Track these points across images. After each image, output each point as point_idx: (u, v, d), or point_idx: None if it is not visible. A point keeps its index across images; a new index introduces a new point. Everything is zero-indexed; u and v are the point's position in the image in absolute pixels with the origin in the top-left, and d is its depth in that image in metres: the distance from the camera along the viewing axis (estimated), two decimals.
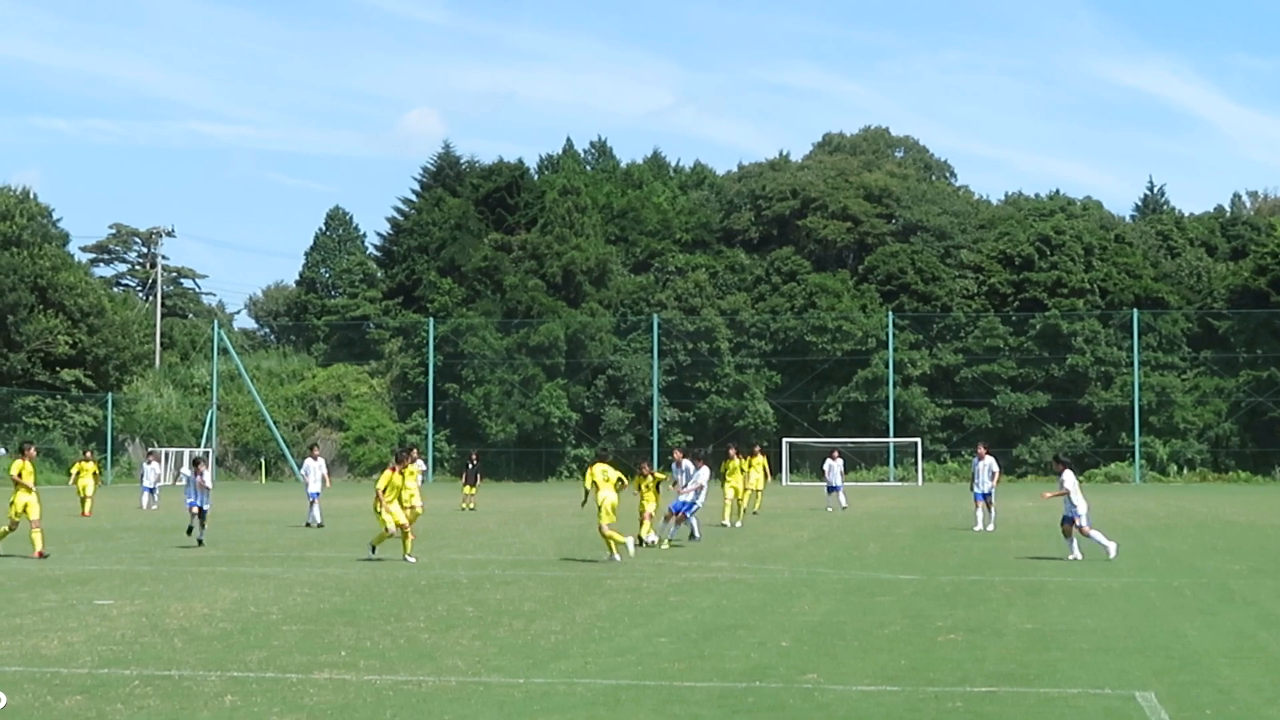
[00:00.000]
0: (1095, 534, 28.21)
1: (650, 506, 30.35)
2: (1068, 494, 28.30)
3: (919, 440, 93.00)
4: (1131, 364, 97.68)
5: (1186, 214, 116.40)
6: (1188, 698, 12.41)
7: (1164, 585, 22.84)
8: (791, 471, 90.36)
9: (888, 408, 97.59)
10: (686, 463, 34.30)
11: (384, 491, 27.67)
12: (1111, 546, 27.86)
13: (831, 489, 50.37)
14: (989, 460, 37.00)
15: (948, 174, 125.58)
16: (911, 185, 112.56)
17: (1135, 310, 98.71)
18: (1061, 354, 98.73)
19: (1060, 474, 28.78)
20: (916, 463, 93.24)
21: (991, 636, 16.62)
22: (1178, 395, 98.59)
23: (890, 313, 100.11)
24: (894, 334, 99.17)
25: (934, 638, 16.50)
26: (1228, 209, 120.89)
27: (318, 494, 40.81)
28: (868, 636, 16.60)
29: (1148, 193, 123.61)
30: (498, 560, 27.88)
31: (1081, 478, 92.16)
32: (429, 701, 12.38)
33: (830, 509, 49.34)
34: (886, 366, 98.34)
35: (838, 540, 33.87)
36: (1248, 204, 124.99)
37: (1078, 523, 28.11)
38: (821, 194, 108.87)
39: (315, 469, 41.87)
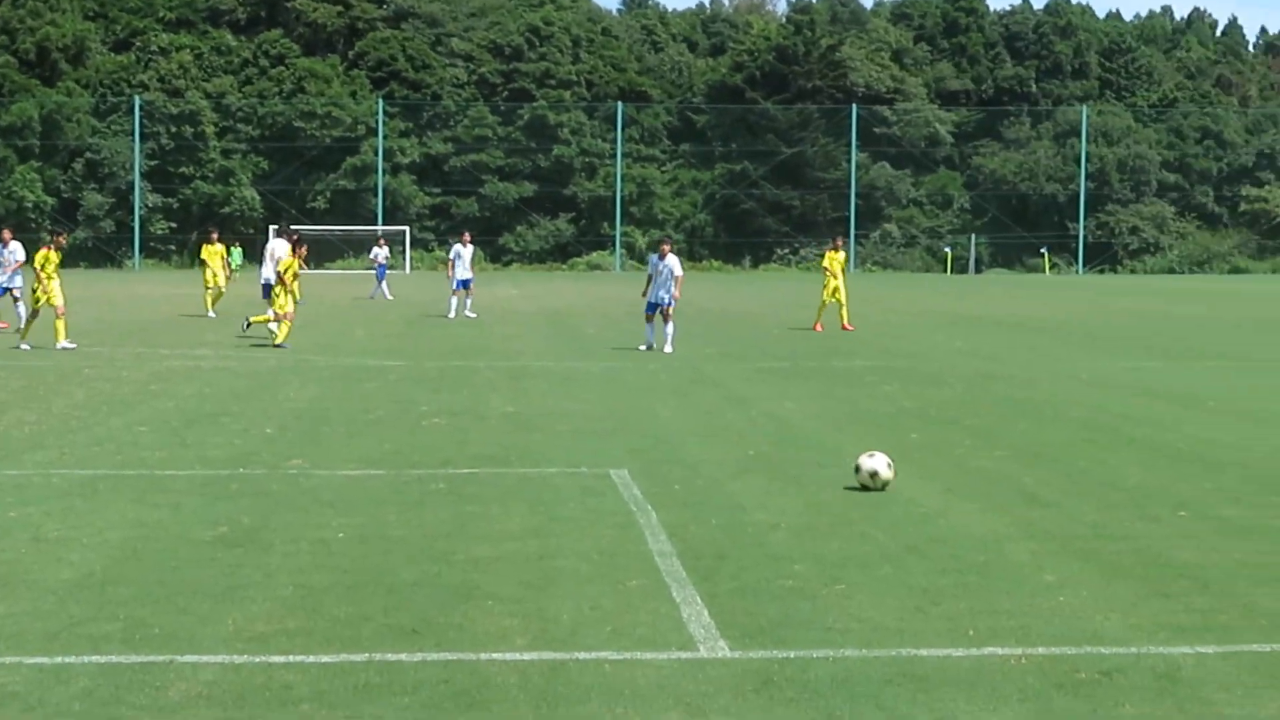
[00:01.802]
0: (670, 327, 27.34)
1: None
2: (675, 279, 27.23)
3: (407, 229, 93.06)
4: (614, 155, 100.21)
5: (670, 10, 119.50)
6: (659, 474, 13.04)
7: (640, 369, 23.77)
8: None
9: (377, 196, 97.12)
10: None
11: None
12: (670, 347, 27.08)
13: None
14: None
15: None
16: None
17: (620, 103, 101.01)
18: (548, 145, 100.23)
19: (664, 257, 27.55)
20: (404, 251, 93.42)
21: (474, 420, 16.97)
22: (658, 187, 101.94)
23: (380, 100, 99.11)
24: (384, 121, 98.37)
25: (419, 422, 16.73)
26: (708, 6, 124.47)
27: None
28: (353, 422, 16.69)
29: None
30: None
31: (565, 266, 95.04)
32: None
33: (374, 297, 49.15)
34: (376, 154, 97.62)
35: (325, 327, 33.73)
36: (727, 2, 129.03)
37: (668, 309, 27.18)
38: None
39: None
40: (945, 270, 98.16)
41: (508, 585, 8.85)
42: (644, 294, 27.93)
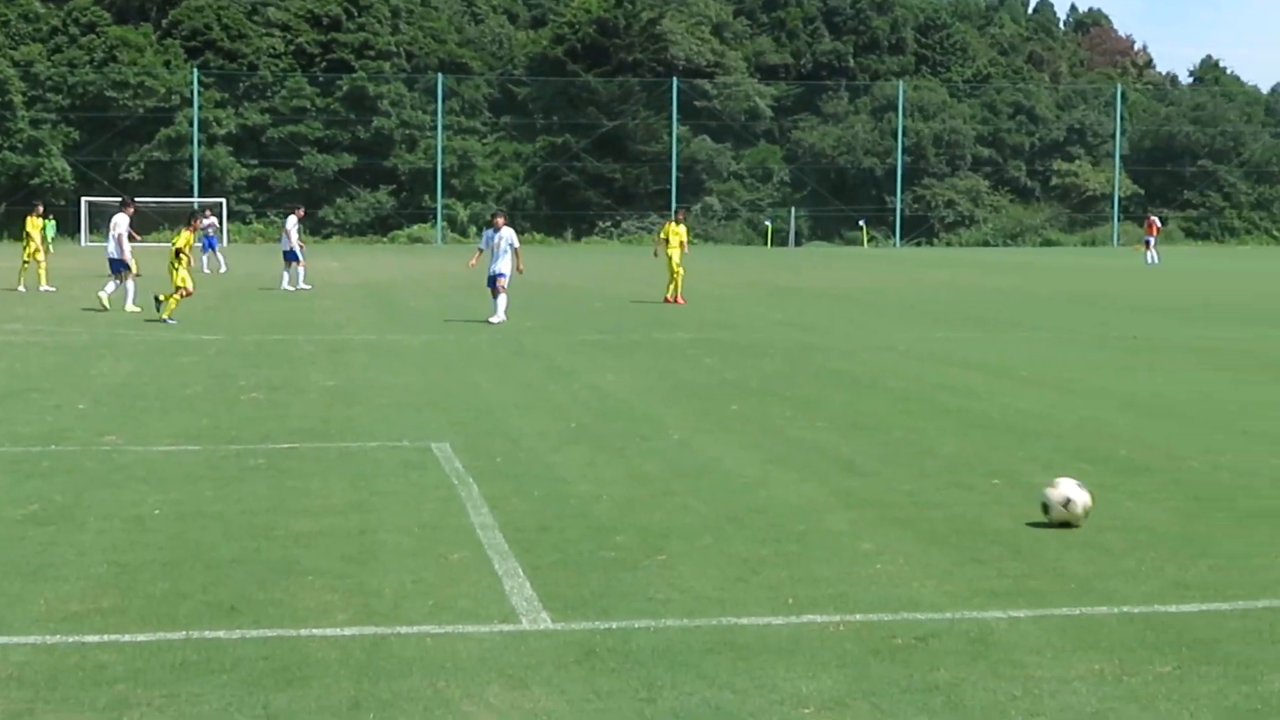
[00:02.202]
0: (504, 299, 27.85)
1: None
2: (514, 250, 28.32)
3: (224, 201, 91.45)
4: (435, 128, 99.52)
5: None
6: (481, 447, 13.00)
7: (462, 342, 23.69)
8: (91, 232, 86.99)
9: (192, 167, 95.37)
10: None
11: None
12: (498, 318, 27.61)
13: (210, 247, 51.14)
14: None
15: None
16: None
17: (440, 75, 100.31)
18: (368, 116, 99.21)
19: (499, 229, 28.41)
20: (222, 223, 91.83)
21: (294, 394, 16.78)
22: (479, 159, 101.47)
23: (195, 70, 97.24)
24: (199, 92, 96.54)
25: (237, 396, 16.50)
26: None
27: None
28: (169, 397, 16.41)
29: None
30: None
31: (384, 239, 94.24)
32: None
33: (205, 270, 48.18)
34: (191, 125, 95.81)
35: (139, 301, 33.05)
36: None
37: (502, 283, 27.82)
38: None
39: None
40: (766, 243, 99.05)
41: (329, 560, 8.77)
42: (471, 264, 29.34)
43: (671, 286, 34.32)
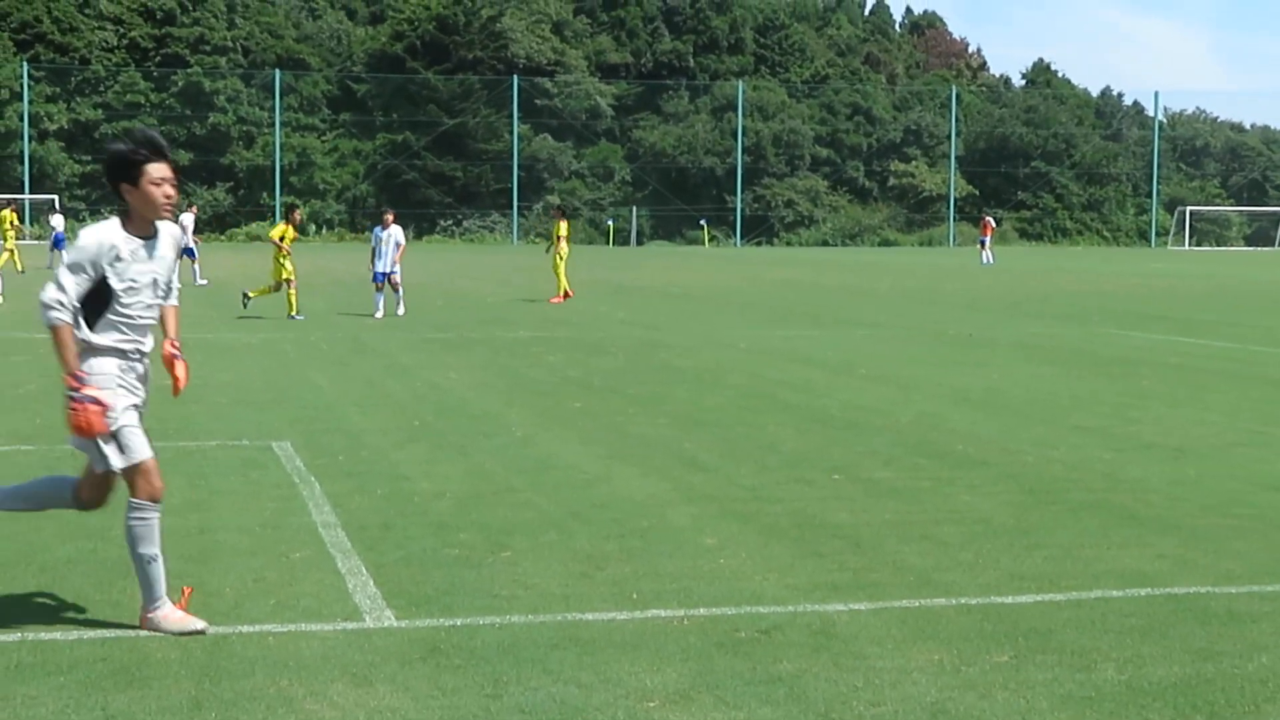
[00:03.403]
0: (400, 292, 29.88)
1: None
2: (398, 246, 29.86)
3: (56, 197, 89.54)
4: (273, 124, 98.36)
5: None
6: (321, 445, 12.89)
7: (301, 340, 23.46)
8: None
9: (23, 163, 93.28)
10: None
11: None
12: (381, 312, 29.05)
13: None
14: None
15: None
16: None
17: (278, 70, 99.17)
18: (204, 112, 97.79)
19: (388, 227, 29.85)
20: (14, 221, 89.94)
21: None
22: (318, 156, 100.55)
23: (25, 63, 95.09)
24: (29, 86, 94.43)
25: None
26: None
27: None
28: (2, 397, 16.05)
29: None
30: None
31: (223, 237, 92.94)
32: None
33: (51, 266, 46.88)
34: (21, 120, 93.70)
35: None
36: None
37: (395, 278, 29.60)
38: None
39: None
40: (608, 242, 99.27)
41: (168, 560, 8.63)
42: (370, 265, 30.22)
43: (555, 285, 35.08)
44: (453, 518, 9.93)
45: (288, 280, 28.97)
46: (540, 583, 8.23)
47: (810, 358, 21.57)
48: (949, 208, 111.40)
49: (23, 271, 45.18)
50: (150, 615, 7.21)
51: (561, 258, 34.62)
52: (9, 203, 40.10)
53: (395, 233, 29.61)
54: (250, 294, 29.31)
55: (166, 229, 7.49)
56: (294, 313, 28.54)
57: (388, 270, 29.22)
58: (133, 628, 7.25)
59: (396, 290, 29.39)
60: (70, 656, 6.78)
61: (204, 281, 39.91)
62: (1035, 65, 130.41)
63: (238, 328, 25.98)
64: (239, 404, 15.71)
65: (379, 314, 28.64)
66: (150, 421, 14.12)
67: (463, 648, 7.00)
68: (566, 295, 34.37)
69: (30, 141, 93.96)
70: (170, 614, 7.22)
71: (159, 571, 7.26)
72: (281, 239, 29.15)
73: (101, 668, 6.63)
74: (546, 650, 6.96)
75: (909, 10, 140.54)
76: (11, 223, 45.66)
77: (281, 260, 29.02)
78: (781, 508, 10.39)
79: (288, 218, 30.06)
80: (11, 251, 44.47)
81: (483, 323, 27.73)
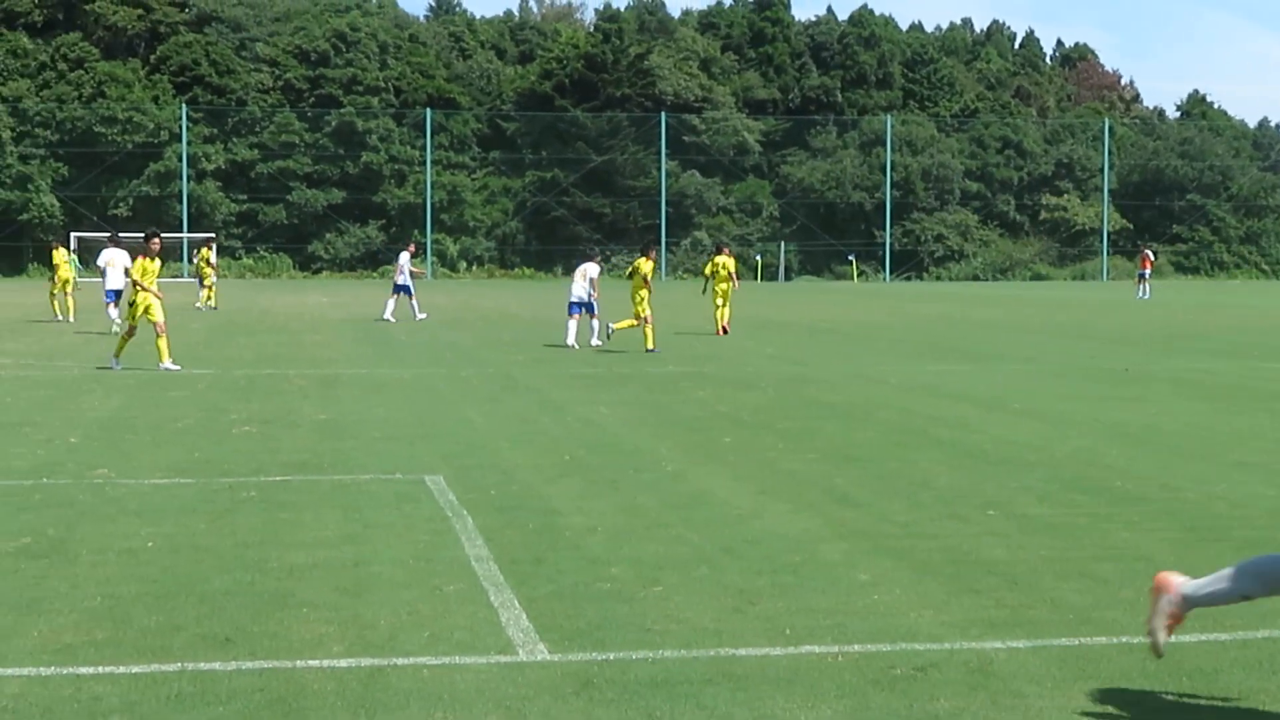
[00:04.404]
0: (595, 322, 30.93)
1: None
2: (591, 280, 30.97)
3: (213, 236, 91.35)
4: (424, 162, 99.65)
5: (478, 17, 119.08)
6: (473, 479, 12.97)
7: (452, 376, 23.66)
8: (83, 267, 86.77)
9: (181, 202, 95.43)
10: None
11: None
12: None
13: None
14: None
15: None
16: None
17: (428, 110, 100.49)
18: (357, 151, 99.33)
19: (590, 260, 31.75)
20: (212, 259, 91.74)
21: (286, 428, 16.74)
22: (468, 194, 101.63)
23: (184, 105, 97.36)
24: (188, 127, 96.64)
25: (228, 430, 16.46)
26: (516, 14, 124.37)
27: None
28: (160, 431, 16.36)
29: None
30: None
31: (375, 274, 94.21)
32: None
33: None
34: (180, 160, 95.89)
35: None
36: (535, 10, 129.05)
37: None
38: None
39: None
40: (755, 278, 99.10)
41: (323, 592, 8.73)
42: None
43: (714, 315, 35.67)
44: (604, 552, 9.93)
45: (153, 323, 24.26)
46: (692, 617, 8.19)
47: (961, 393, 21.33)
48: (1102, 241, 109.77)
49: (215, 308, 46.32)
50: None
51: (721, 296, 35.35)
52: (207, 241, 41.72)
53: (591, 270, 31.10)
54: (120, 343, 25.09)
55: None
56: (164, 361, 24.30)
57: (583, 300, 30.62)
58: (289, 659, 7.33)
59: (593, 319, 30.73)
60: (229, 687, 6.87)
61: (423, 315, 40.38)
62: (1190, 97, 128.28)
63: (391, 363, 26.29)
64: (392, 439, 15.86)
65: (572, 341, 30.16)
66: (306, 455, 14.39)
67: (616, 682, 6.98)
68: (723, 330, 34.87)
69: (189, 181, 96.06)
70: None
71: None
72: (144, 274, 24.29)
73: (259, 698, 6.71)
74: (700, 685, 6.93)
75: (1060, 43, 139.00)
76: (208, 260, 48.60)
77: (138, 301, 24.23)
78: (935, 543, 10.27)
79: (146, 249, 24.64)
80: (210, 288, 46.83)
81: (632, 358, 27.78)
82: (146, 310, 24.12)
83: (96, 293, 38.01)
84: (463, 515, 11.24)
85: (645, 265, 30.62)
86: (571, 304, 30.85)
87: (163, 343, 24.48)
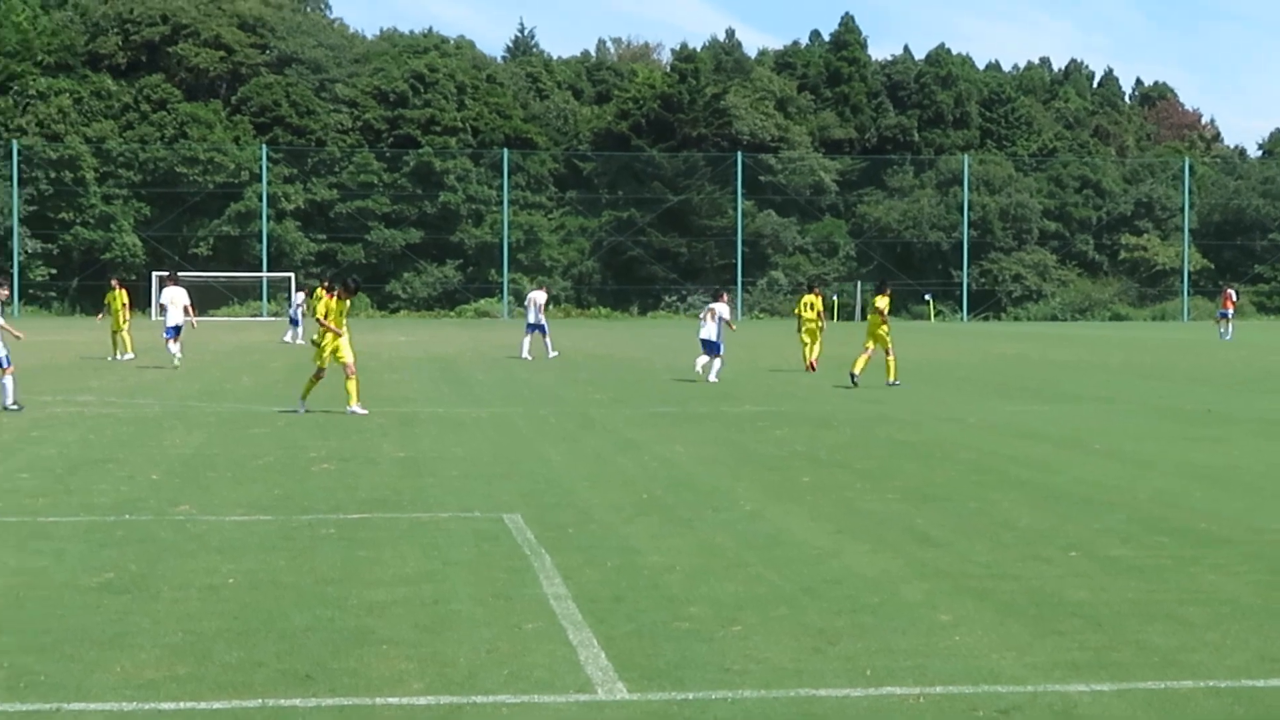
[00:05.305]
0: (717, 362, 31.72)
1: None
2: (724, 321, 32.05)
3: (293, 275, 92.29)
4: (501, 202, 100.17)
5: (555, 57, 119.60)
6: (551, 518, 12.98)
7: (530, 414, 23.72)
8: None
9: (261, 242, 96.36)
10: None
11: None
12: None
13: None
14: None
15: (322, 5, 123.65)
16: (286, 16, 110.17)
17: (505, 150, 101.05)
18: (434, 191, 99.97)
19: (719, 299, 32.74)
20: (290, 297, 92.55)
21: (365, 465, 16.83)
22: (545, 234, 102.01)
23: (264, 145, 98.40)
24: (268, 167, 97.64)
25: (308, 467, 16.56)
26: (593, 54, 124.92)
27: None
28: (241, 468, 16.49)
29: (518, 34, 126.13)
30: None
31: (452, 313, 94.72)
32: None
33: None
34: (260, 200, 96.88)
35: (209, 374, 33.38)
36: (612, 50, 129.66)
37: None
38: (193, 20, 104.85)
39: None
40: (832, 317, 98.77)
41: (402, 629, 8.75)
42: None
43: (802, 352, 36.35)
44: (683, 591, 9.90)
45: (342, 364, 24.07)
46: (772, 657, 8.15)
47: (1040, 433, 21.15)
48: (1183, 281, 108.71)
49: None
50: None
51: (809, 335, 36.20)
52: (113, 281, 42.61)
53: (721, 309, 32.07)
54: (307, 385, 24.62)
55: None
56: (352, 404, 23.77)
57: (712, 340, 31.42)
58: (369, 696, 7.34)
59: (715, 358, 31.47)
60: None
61: (555, 354, 40.73)
62: (1272, 135, 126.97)
63: (470, 402, 26.39)
64: (470, 477, 15.91)
65: (700, 370, 31.67)
66: (385, 492, 14.46)
67: None
68: (811, 367, 35.49)
69: (268, 221, 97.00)
70: None
71: None
72: (328, 314, 24.22)
73: None
74: None
75: (1139, 82, 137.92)
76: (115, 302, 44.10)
77: (325, 342, 24.29)
78: (1018, 585, 10.16)
79: (337, 288, 24.76)
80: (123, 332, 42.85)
81: (709, 397, 27.75)
82: (335, 352, 24.07)
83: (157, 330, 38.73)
84: (541, 553, 11.25)
85: (881, 301, 33.31)
86: (702, 341, 31.85)
87: (352, 385, 23.97)
